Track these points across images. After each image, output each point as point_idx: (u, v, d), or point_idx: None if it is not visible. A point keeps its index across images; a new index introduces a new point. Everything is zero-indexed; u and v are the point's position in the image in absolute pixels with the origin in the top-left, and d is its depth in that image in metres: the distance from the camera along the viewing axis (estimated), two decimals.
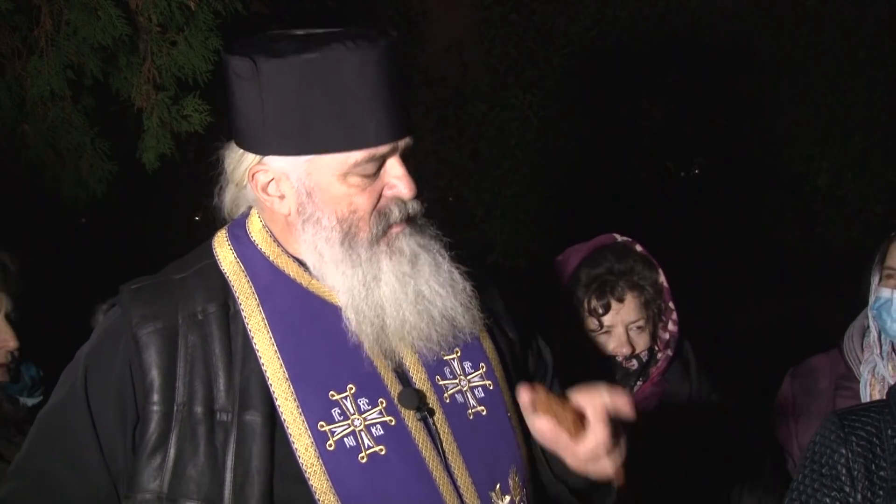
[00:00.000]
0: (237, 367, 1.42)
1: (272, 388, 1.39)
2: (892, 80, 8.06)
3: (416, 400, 1.43)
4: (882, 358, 2.16)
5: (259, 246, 1.51)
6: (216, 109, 3.27)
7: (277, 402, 1.39)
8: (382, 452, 1.40)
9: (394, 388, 1.44)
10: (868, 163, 8.25)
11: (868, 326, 2.24)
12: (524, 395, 1.34)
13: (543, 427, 1.35)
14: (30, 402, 2.00)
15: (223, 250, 1.52)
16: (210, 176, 1.58)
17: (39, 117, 3.27)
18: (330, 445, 1.38)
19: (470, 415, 1.48)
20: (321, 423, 1.38)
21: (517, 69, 8.21)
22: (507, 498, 1.47)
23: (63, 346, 2.52)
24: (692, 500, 2.10)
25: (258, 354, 1.41)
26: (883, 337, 2.18)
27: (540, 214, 7.85)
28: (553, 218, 7.69)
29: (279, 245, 1.50)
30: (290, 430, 1.38)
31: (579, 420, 1.35)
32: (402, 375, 1.47)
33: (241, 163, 1.48)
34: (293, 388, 1.39)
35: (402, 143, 1.42)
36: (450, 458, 1.44)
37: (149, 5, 3.08)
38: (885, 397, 1.80)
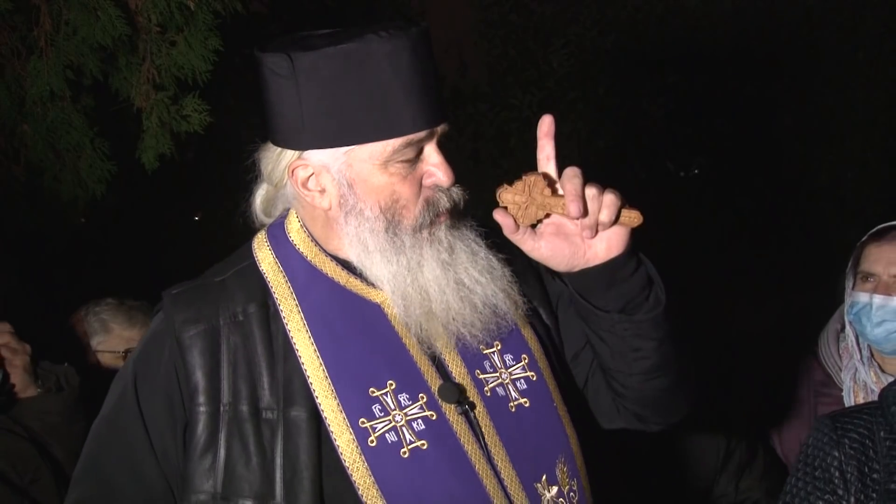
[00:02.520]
0: (279, 365, 1.45)
1: (312, 387, 1.42)
2: (893, 80, 8.06)
3: (455, 394, 1.44)
4: (863, 363, 2.14)
5: (297, 246, 1.54)
6: (215, 109, 3.28)
7: (318, 400, 1.42)
8: (424, 447, 1.41)
9: (433, 382, 1.46)
10: (868, 163, 8.25)
11: (842, 329, 2.22)
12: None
13: (503, 220, 1.38)
14: None
15: (262, 251, 1.56)
16: (247, 178, 1.61)
17: (39, 117, 3.28)
18: (372, 441, 1.40)
19: (512, 407, 1.49)
20: (362, 419, 1.41)
21: (517, 69, 8.21)
22: (555, 489, 1.47)
23: (63, 346, 2.53)
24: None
25: (298, 353, 1.44)
26: (861, 342, 2.16)
27: None
28: None
29: (317, 244, 1.53)
30: (331, 427, 1.40)
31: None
32: (442, 370, 1.48)
33: (279, 161, 1.50)
34: (333, 385, 1.42)
35: (438, 130, 1.44)
36: (492, 450, 1.45)
37: (148, 5, 3.08)
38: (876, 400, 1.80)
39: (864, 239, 2.18)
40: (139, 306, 2.57)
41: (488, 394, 1.49)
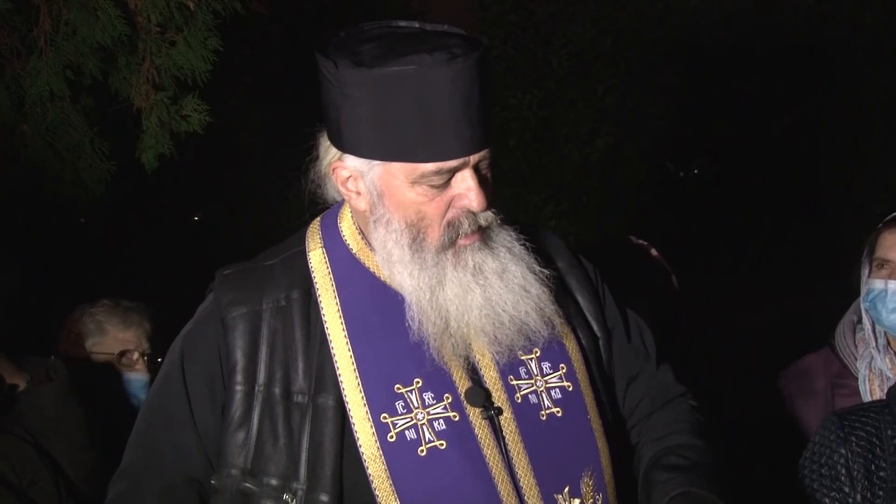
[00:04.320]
0: (314, 352, 1.48)
1: (340, 377, 1.44)
2: (892, 81, 8.05)
3: (482, 398, 1.45)
4: (879, 351, 2.14)
5: (345, 237, 1.57)
6: (215, 109, 3.27)
7: (344, 392, 1.44)
8: (442, 447, 1.42)
9: (462, 384, 1.47)
10: (868, 163, 8.25)
11: (858, 321, 2.22)
12: None
13: None
14: None
15: (313, 240, 1.59)
16: (307, 159, 1.61)
17: (38, 117, 3.27)
18: (391, 437, 1.42)
19: (543, 415, 1.50)
20: (384, 414, 1.43)
21: (516, 69, 8.20)
22: (577, 501, 1.47)
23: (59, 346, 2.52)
24: None
25: (331, 343, 1.47)
26: (878, 329, 2.16)
27: (540, 214, 7.85)
28: (553, 218, 7.69)
29: (364, 238, 1.55)
30: (353, 419, 1.43)
31: None
32: (473, 373, 1.49)
33: (326, 153, 1.53)
34: (359, 378, 1.44)
35: (474, 158, 1.43)
36: (514, 457, 1.45)
37: (148, 5, 3.08)
38: (884, 394, 1.79)
39: (879, 226, 2.18)
40: (135, 307, 2.56)
41: (519, 400, 1.49)
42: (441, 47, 1.37)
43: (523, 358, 1.52)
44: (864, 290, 2.16)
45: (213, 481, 1.50)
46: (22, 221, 3.50)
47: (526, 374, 1.52)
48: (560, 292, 1.58)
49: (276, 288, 1.53)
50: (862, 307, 2.18)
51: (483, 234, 1.48)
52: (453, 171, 1.42)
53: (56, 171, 3.42)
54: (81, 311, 2.53)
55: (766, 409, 2.43)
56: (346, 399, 1.43)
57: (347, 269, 1.53)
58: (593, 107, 7.89)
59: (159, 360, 2.47)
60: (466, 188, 1.43)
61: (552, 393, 1.51)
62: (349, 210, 1.58)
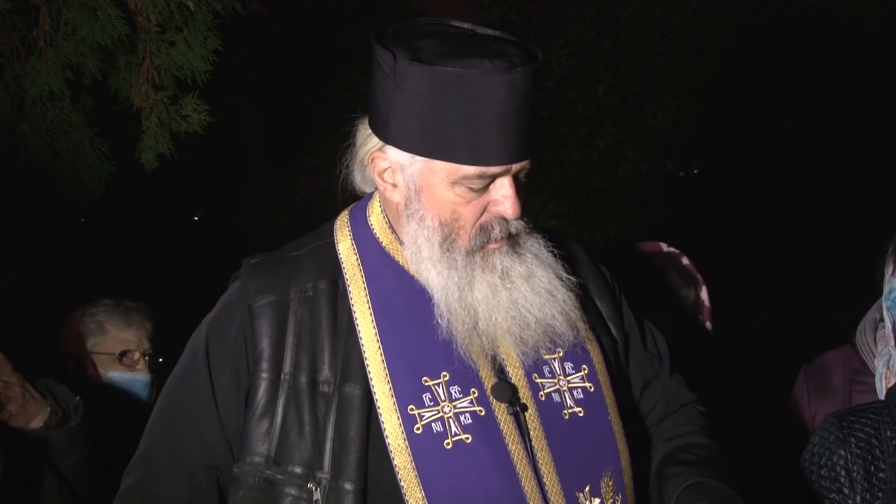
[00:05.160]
0: (341, 342, 1.50)
1: (368, 369, 1.45)
2: (892, 81, 8.05)
3: (508, 393, 1.46)
4: None
5: (375, 230, 1.58)
6: (215, 109, 3.27)
7: (372, 383, 1.45)
8: (468, 441, 1.43)
9: (488, 380, 1.48)
10: (867, 163, 8.24)
11: (880, 319, 2.20)
12: None
13: None
14: None
15: (342, 232, 1.60)
16: (343, 147, 1.63)
17: (38, 117, 3.27)
18: (417, 429, 1.43)
19: (566, 414, 1.51)
20: (411, 406, 1.44)
21: None
22: (597, 500, 1.48)
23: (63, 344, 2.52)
24: None
25: (360, 334, 1.48)
26: None
27: (540, 214, 7.85)
28: (553, 218, 7.69)
29: (394, 232, 1.56)
30: (380, 410, 1.44)
31: None
32: (499, 369, 1.50)
33: (366, 143, 1.53)
34: (388, 370, 1.45)
35: (515, 166, 1.45)
36: (538, 454, 1.46)
37: (148, 5, 3.07)
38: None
39: None
40: (136, 307, 2.56)
41: (542, 398, 1.50)
42: (500, 54, 1.40)
43: (547, 357, 1.53)
44: (886, 289, 2.14)
45: (234, 469, 1.51)
46: (22, 221, 3.49)
47: (549, 373, 1.53)
48: (582, 297, 1.60)
49: (304, 278, 1.55)
50: (884, 305, 2.16)
51: (511, 240, 1.50)
52: (493, 177, 1.44)
53: (56, 171, 3.41)
54: (82, 311, 2.53)
55: (773, 407, 2.43)
56: (374, 390, 1.45)
57: (377, 261, 1.55)
58: (593, 107, 7.89)
59: (160, 360, 2.48)
60: (503, 195, 1.45)
61: (574, 393, 1.53)
62: (378, 203, 1.60)
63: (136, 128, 3.31)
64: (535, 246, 1.55)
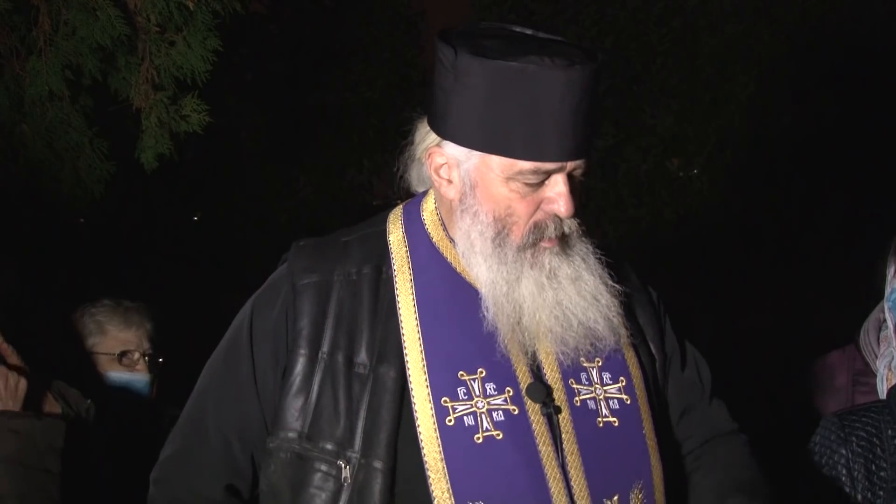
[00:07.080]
0: (379, 326, 1.52)
1: (406, 356, 1.47)
2: (891, 81, 8.05)
3: (543, 394, 1.47)
4: None
5: (427, 226, 1.60)
6: (215, 109, 3.27)
7: (409, 372, 1.47)
8: (499, 437, 1.44)
9: (524, 379, 1.48)
10: (868, 162, 8.24)
11: (884, 321, 2.20)
12: None
13: None
14: None
15: (394, 224, 1.63)
16: (402, 143, 1.65)
17: (38, 117, 3.27)
18: (449, 421, 1.44)
19: (600, 423, 1.51)
20: (445, 398, 1.45)
21: None
22: None
23: (63, 345, 2.52)
24: None
25: (401, 322, 1.50)
26: None
27: None
28: None
29: (444, 228, 1.58)
30: (415, 399, 1.45)
31: None
32: (536, 370, 1.51)
33: (424, 139, 1.56)
34: (425, 360, 1.47)
35: (571, 164, 1.45)
36: (568, 457, 1.46)
37: (147, 5, 3.08)
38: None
39: None
40: (136, 307, 2.55)
41: (577, 403, 1.50)
42: (561, 53, 1.42)
43: (585, 365, 1.53)
44: (888, 290, 2.13)
45: (268, 443, 1.53)
46: (22, 221, 3.49)
47: (587, 380, 1.53)
48: (626, 310, 1.59)
49: (350, 262, 1.58)
50: (885, 306, 2.15)
51: (562, 241, 1.51)
52: (549, 174, 1.45)
53: (55, 171, 3.41)
54: (82, 311, 2.53)
55: (774, 407, 2.43)
56: (410, 380, 1.46)
57: (425, 255, 1.57)
58: None
59: (160, 360, 2.47)
60: (558, 193, 1.45)
61: (610, 403, 1.53)
62: (432, 200, 1.62)
63: (136, 128, 3.31)
64: (584, 250, 1.55)
